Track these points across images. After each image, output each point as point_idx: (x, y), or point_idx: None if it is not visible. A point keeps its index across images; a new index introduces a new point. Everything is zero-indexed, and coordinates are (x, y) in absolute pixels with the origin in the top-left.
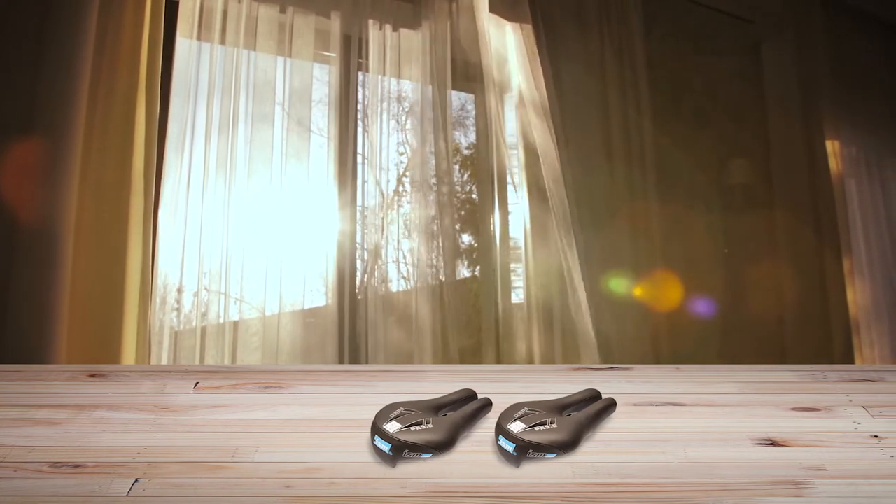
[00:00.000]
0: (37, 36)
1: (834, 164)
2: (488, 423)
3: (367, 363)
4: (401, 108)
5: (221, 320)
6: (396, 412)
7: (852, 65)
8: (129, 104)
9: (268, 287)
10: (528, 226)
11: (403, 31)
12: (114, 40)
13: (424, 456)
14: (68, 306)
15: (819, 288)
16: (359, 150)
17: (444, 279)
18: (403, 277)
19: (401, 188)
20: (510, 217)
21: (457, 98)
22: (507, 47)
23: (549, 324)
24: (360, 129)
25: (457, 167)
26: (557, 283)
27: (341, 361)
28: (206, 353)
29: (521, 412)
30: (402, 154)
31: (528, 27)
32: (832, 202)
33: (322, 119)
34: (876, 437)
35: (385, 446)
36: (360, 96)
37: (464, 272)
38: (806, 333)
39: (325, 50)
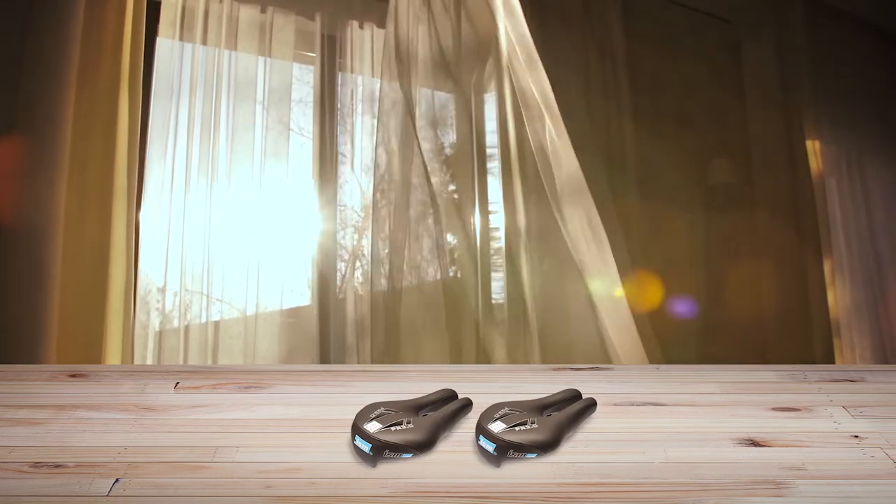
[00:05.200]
0: (20, 36)
1: (814, 163)
2: (469, 423)
3: (347, 363)
4: (383, 108)
5: (202, 320)
6: (377, 412)
7: (832, 64)
8: (111, 104)
9: (249, 287)
10: (512, 224)
11: (386, 31)
12: (96, 41)
13: (405, 456)
14: (51, 306)
15: (800, 288)
16: (340, 149)
17: (425, 279)
18: (384, 277)
19: (382, 187)
20: (491, 216)
21: (440, 97)
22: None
23: (533, 323)
24: (340, 129)
25: (438, 166)
26: (540, 283)
27: (322, 361)
28: (188, 353)
29: (501, 412)
30: (384, 153)
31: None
32: (813, 202)
33: (303, 119)
34: (856, 437)
35: (365, 446)
36: (341, 96)
37: (445, 272)
38: (786, 333)
39: (306, 50)
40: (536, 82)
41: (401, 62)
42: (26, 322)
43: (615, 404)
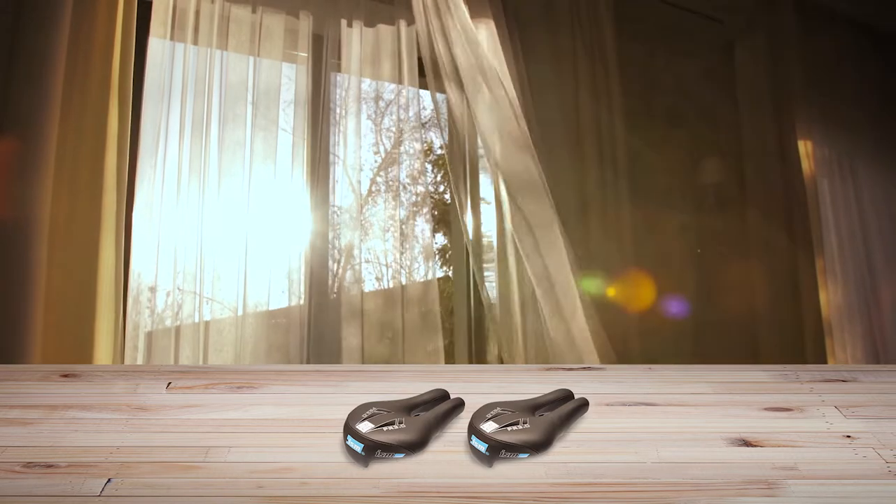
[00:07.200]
0: (10, 35)
1: (806, 164)
2: (461, 423)
3: (339, 363)
4: (376, 108)
5: (195, 320)
6: (369, 412)
7: (824, 65)
8: (102, 103)
9: (241, 287)
10: (502, 225)
11: (375, 31)
12: (87, 40)
13: (397, 456)
14: (41, 306)
15: (792, 288)
16: (331, 149)
17: (416, 279)
18: (376, 278)
19: (373, 188)
20: (483, 217)
21: (431, 98)
22: (480, 46)
23: (523, 324)
24: (332, 129)
25: (430, 167)
26: (531, 283)
27: (314, 361)
28: (179, 353)
29: (493, 412)
30: (374, 154)
31: (498, 25)
32: (805, 202)
33: (295, 119)
34: (848, 437)
35: (357, 446)
36: (332, 96)
37: (437, 272)
38: (778, 334)
39: (297, 49)
40: (518, 83)
41: (393, 62)
42: (15, 322)
43: (607, 404)
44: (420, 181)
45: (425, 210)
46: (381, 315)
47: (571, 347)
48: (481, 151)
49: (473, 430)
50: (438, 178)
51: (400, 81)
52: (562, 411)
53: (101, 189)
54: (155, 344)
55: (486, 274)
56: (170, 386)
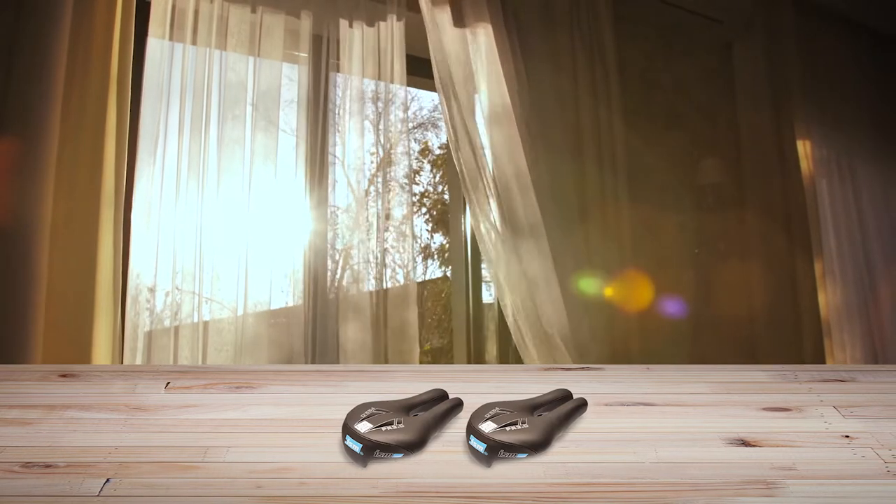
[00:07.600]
0: (9, 36)
1: (805, 164)
2: (459, 423)
3: (338, 363)
4: (375, 108)
5: (194, 320)
6: (367, 412)
7: (823, 65)
8: (101, 104)
9: (240, 287)
10: (499, 226)
11: (375, 31)
12: (86, 40)
13: (395, 456)
14: (41, 306)
15: (790, 288)
16: (331, 149)
17: (415, 279)
18: (374, 277)
19: (372, 188)
20: (481, 217)
21: (430, 98)
22: (475, 48)
23: (521, 324)
24: (331, 129)
25: (429, 167)
26: (528, 283)
27: (313, 361)
28: (178, 353)
29: (492, 412)
30: (373, 154)
31: (496, 27)
32: (803, 203)
33: (294, 119)
34: (847, 436)
35: (356, 446)
36: (331, 95)
37: (435, 272)
38: (777, 334)
39: (297, 50)
40: (512, 85)
41: (392, 63)
42: (14, 322)
43: (606, 404)
44: (418, 181)
45: (423, 210)
46: (381, 314)
47: (554, 347)
48: (479, 152)
49: (472, 430)
50: (437, 179)
51: (399, 82)
52: (560, 411)
53: (100, 189)
54: (154, 344)
55: (484, 273)
56: (168, 386)
